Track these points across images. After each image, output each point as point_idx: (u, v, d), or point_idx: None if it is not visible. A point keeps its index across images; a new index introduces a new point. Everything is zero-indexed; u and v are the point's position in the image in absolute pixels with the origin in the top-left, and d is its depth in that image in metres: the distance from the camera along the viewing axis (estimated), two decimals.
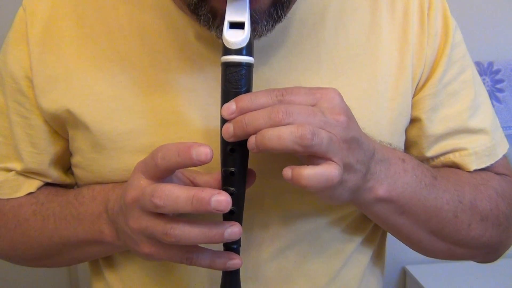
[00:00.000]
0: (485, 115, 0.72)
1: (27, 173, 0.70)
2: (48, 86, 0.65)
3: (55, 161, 0.70)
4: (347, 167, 0.52)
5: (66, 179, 0.72)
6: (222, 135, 0.51)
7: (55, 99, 0.65)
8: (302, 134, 0.48)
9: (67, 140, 0.69)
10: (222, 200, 0.48)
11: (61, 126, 0.67)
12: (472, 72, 0.73)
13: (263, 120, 0.49)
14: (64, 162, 0.71)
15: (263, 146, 0.48)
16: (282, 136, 0.48)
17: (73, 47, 0.65)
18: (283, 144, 0.48)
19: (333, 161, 0.50)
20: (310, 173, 0.49)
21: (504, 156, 0.73)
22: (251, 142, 0.49)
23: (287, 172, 0.50)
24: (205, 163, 0.49)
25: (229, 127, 0.51)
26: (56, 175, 0.71)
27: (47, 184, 0.72)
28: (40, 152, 0.69)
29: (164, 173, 0.52)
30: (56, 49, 0.65)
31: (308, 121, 0.49)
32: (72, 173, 0.73)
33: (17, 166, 0.69)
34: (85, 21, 0.66)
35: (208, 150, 0.49)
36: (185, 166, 0.50)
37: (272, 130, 0.48)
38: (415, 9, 0.68)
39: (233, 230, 0.51)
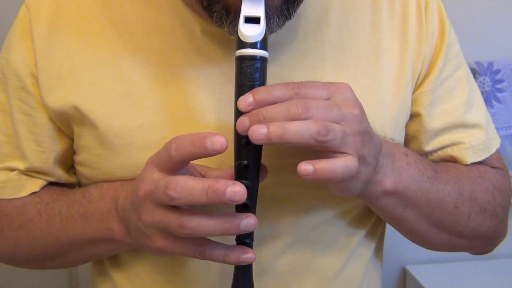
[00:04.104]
0: (479, 110, 0.74)
1: (30, 172, 0.69)
2: (54, 83, 0.65)
3: (59, 160, 0.70)
4: (361, 159, 0.54)
5: (70, 178, 0.72)
6: (237, 128, 0.51)
7: (62, 96, 0.64)
8: (318, 130, 0.49)
9: (71, 139, 0.68)
10: (238, 190, 0.48)
11: (66, 124, 0.66)
12: (466, 70, 0.75)
13: (282, 114, 0.49)
14: (67, 161, 0.71)
15: (280, 139, 0.48)
16: (300, 130, 0.48)
17: (79, 43, 0.65)
18: (300, 138, 0.48)
19: (348, 154, 0.51)
20: (334, 165, 0.49)
21: (497, 151, 0.76)
22: (261, 133, 0.48)
23: (307, 166, 0.49)
24: (220, 153, 0.49)
25: (244, 121, 0.50)
26: (60, 174, 0.70)
27: (50, 184, 0.71)
28: (44, 150, 0.68)
29: (178, 165, 0.52)
30: (62, 45, 0.65)
31: (326, 115, 0.50)
32: (74, 172, 0.72)
33: (20, 165, 0.68)
34: (91, 18, 0.66)
35: (223, 140, 0.49)
36: (200, 156, 0.50)
37: (290, 124, 0.48)
38: (413, 8, 0.71)
39: (248, 221, 0.51)
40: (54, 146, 0.68)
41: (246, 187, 0.52)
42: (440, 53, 0.71)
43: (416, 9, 0.71)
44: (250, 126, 0.50)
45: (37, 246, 0.68)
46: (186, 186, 0.49)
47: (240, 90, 0.53)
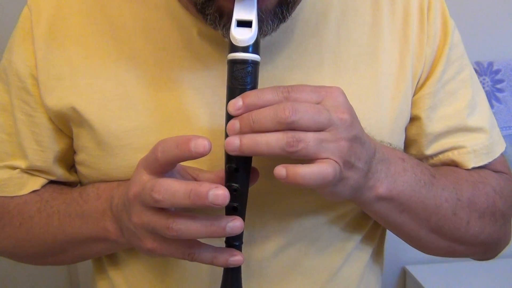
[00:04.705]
0: (483, 114, 0.73)
1: (31, 171, 0.70)
2: (53, 84, 0.66)
3: (59, 159, 0.71)
4: (348, 165, 0.53)
5: (70, 177, 0.73)
6: (227, 131, 0.52)
7: (60, 97, 0.65)
8: (287, 142, 0.49)
9: (71, 138, 0.69)
10: (220, 194, 0.48)
11: (65, 124, 0.67)
12: (470, 72, 0.74)
13: (270, 118, 0.50)
14: (68, 159, 0.72)
15: (252, 150, 0.50)
16: (269, 142, 0.50)
17: (78, 45, 0.66)
18: (270, 150, 0.50)
19: (330, 159, 0.51)
20: (306, 171, 0.50)
21: (502, 155, 0.74)
22: (235, 144, 0.50)
23: (281, 171, 0.50)
24: (203, 155, 0.49)
25: (235, 124, 0.51)
26: (60, 172, 0.71)
27: (51, 182, 0.72)
28: (44, 149, 0.69)
29: (164, 167, 0.52)
30: (61, 47, 0.66)
31: (314, 119, 0.50)
32: (76, 171, 0.73)
33: (22, 163, 0.70)
34: (90, 20, 0.66)
35: (206, 142, 0.49)
36: (184, 158, 0.51)
37: (261, 136, 0.50)
38: (415, 10, 0.69)
39: (234, 224, 0.51)
40: (53, 146, 0.69)
41: (236, 190, 0.53)
42: (442, 55, 0.70)
43: (418, 10, 0.69)
44: (241, 129, 0.51)
45: (36, 243, 0.69)
46: (170, 189, 0.49)
47: (231, 94, 0.53)
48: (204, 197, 0.48)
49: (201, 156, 0.49)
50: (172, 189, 0.49)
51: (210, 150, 0.49)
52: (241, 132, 0.51)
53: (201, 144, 0.49)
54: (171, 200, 0.49)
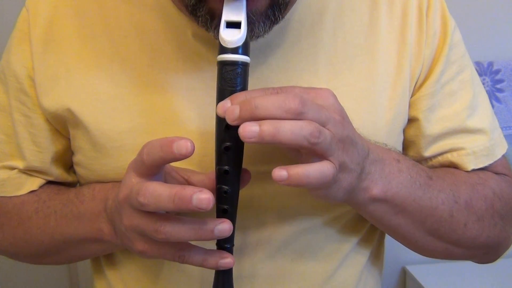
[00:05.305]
0: (483, 115, 0.72)
1: (29, 171, 0.71)
2: (50, 86, 0.66)
3: (57, 159, 0.71)
4: (342, 166, 0.53)
5: (68, 177, 0.73)
6: (226, 117, 0.50)
7: (56, 99, 0.66)
8: (312, 131, 0.48)
9: (68, 139, 0.70)
10: (204, 198, 0.47)
11: (62, 125, 0.68)
12: (471, 72, 0.73)
13: (277, 105, 0.48)
14: (66, 160, 0.72)
15: (273, 138, 0.47)
16: (294, 130, 0.47)
17: (74, 47, 0.66)
18: (294, 139, 0.47)
19: (329, 160, 0.51)
20: (310, 170, 0.49)
21: (504, 156, 0.73)
22: (253, 130, 0.47)
23: (281, 172, 0.48)
24: (186, 157, 0.49)
25: (234, 109, 0.49)
26: (57, 173, 0.72)
27: (49, 183, 0.73)
28: (42, 150, 0.69)
29: (151, 170, 0.52)
30: (58, 49, 0.66)
31: (318, 114, 0.50)
32: (75, 172, 0.73)
33: (20, 164, 0.70)
34: (86, 21, 0.67)
35: (189, 144, 0.48)
36: (168, 160, 0.50)
37: (284, 123, 0.47)
38: (413, 10, 0.69)
39: (223, 227, 0.50)
40: (50, 147, 0.70)
41: (226, 192, 0.53)
42: (441, 56, 0.69)
43: (417, 11, 0.68)
44: (241, 115, 0.48)
45: (34, 243, 0.70)
46: (154, 193, 0.49)
47: (221, 95, 0.53)
48: (188, 201, 0.47)
49: (185, 158, 0.49)
50: (157, 192, 0.49)
51: (193, 151, 0.48)
52: (241, 117, 0.48)
53: (183, 146, 0.48)
54: (156, 204, 0.49)
